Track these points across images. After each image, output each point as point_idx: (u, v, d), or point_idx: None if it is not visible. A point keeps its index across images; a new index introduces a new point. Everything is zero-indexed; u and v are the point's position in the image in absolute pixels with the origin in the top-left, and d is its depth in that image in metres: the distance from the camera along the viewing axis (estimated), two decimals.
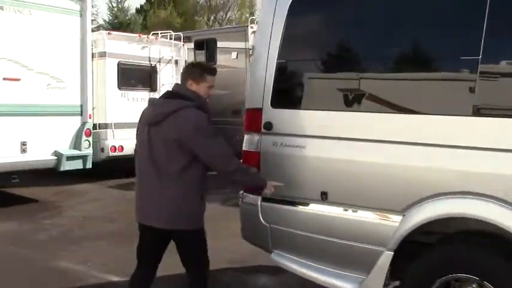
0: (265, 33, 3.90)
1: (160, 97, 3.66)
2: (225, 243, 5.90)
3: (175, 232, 3.46)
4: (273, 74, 3.84)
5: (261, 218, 3.89)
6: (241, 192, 4.06)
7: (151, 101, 3.65)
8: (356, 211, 3.51)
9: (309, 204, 3.70)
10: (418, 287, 3.31)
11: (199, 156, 3.33)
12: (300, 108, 3.80)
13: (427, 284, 3.28)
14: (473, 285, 3.21)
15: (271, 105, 3.85)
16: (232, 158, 3.43)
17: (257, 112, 3.92)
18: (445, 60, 3.34)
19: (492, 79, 3.15)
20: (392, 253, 3.35)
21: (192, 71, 3.55)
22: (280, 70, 3.83)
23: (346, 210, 3.55)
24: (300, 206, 3.74)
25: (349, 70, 3.67)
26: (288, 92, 3.93)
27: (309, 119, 3.73)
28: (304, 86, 3.89)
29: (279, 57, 3.81)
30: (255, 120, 3.93)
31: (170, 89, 3.62)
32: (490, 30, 3.05)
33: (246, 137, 4.01)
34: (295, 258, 3.80)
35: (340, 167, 3.56)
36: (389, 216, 3.38)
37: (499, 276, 3.08)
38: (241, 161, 3.98)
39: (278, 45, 3.81)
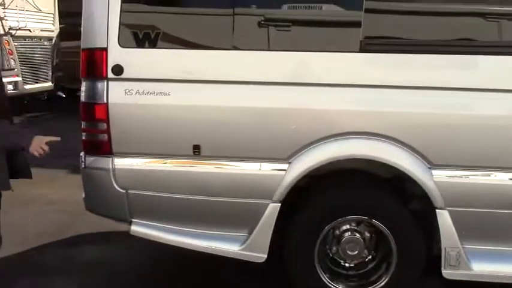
0: None
1: None
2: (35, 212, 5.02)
3: None
4: (120, 3, 3.04)
5: (114, 183, 3.17)
6: (81, 154, 3.25)
7: None
8: (235, 163, 3.10)
9: (178, 161, 3.13)
10: (307, 236, 3.13)
11: None
12: (160, 47, 3.12)
13: (316, 231, 3.12)
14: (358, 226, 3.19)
15: (119, 43, 3.06)
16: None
17: (99, 53, 3.09)
18: None
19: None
20: (279, 204, 3.08)
21: None
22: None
23: (223, 163, 3.10)
24: (168, 165, 3.14)
25: None
26: (142, 26, 3.16)
27: (173, 59, 3.09)
28: (162, 18, 3.18)
29: None
30: (96, 63, 3.10)
31: None
32: None
33: (84, 85, 3.16)
34: (163, 225, 3.23)
35: (212, 115, 3.07)
36: (274, 165, 3.07)
37: (386, 212, 3.09)
38: (83, 117, 3.17)
39: None
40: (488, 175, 2.95)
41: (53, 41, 11.87)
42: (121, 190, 3.17)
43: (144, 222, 3.23)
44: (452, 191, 2.99)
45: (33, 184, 5.86)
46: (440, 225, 3.01)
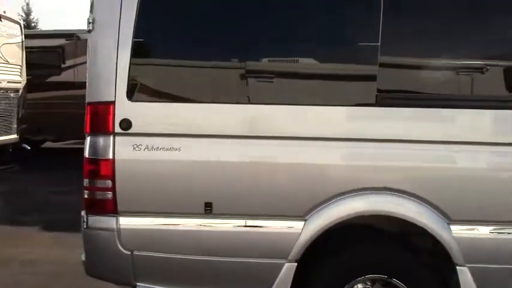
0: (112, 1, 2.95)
1: None
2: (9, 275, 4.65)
3: None
4: (129, 57, 2.93)
5: (119, 245, 2.97)
6: (83, 214, 3.04)
7: None
8: (248, 222, 2.96)
9: (189, 220, 2.97)
10: None
11: None
12: (170, 101, 3.00)
13: None
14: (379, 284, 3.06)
15: (127, 97, 2.94)
16: None
17: (106, 107, 2.95)
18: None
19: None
20: (295, 264, 2.94)
21: None
22: (139, 51, 2.94)
23: (236, 222, 2.96)
24: (178, 224, 2.97)
25: (238, 50, 3.03)
26: (151, 79, 3.06)
27: (184, 113, 2.98)
28: (173, 71, 3.07)
29: (135, 34, 2.92)
30: (103, 118, 2.96)
31: None
32: None
33: (88, 140, 3.00)
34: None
35: (225, 171, 2.95)
36: (289, 223, 2.94)
37: (407, 271, 2.99)
38: (85, 174, 2.99)
39: (133, 18, 2.92)
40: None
41: (20, 92, 11.57)
42: (126, 252, 2.97)
43: (151, 286, 3.02)
44: (472, 246, 2.92)
45: (6, 242, 5.59)
46: (461, 283, 2.92)
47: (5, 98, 11.09)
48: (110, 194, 2.96)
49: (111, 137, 2.94)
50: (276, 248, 2.94)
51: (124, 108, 2.93)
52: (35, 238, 6.05)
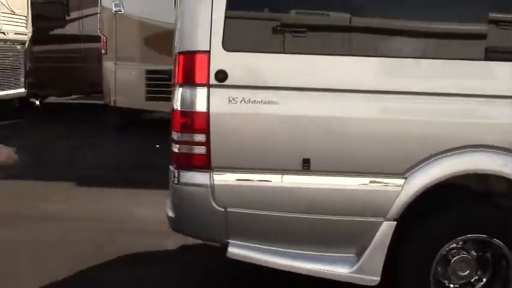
0: None
1: None
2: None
3: None
4: (225, 3, 2.75)
5: (212, 201, 2.86)
6: (173, 168, 2.92)
7: None
8: (347, 179, 2.85)
9: (285, 176, 2.85)
10: (423, 258, 2.92)
11: None
12: (270, 51, 2.83)
13: (433, 252, 2.92)
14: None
15: (223, 46, 2.77)
16: None
17: (200, 57, 2.78)
18: None
19: None
20: (395, 223, 2.86)
21: None
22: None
23: (334, 178, 2.85)
24: (274, 180, 2.86)
25: None
26: (250, 26, 2.88)
27: (284, 65, 2.82)
28: (275, 18, 2.88)
29: None
30: (197, 69, 2.80)
31: None
32: None
33: (179, 91, 2.85)
34: (263, 246, 2.93)
35: (325, 126, 2.82)
36: (389, 180, 2.85)
37: (507, 230, 2.93)
38: (176, 127, 2.85)
39: None
40: None
41: (26, 45, 11.21)
42: (220, 208, 2.86)
43: (243, 243, 2.92)
44: None
45: (42, 197, 5.45)
46: None
47: (12, 50, 10.77)
48: (203, 149, 2.83)
49: (206, 89, 2.79)
50: (374, 205, 2.86)
51: (220, 58, 2.77)
52: (70, 194, 5.92)
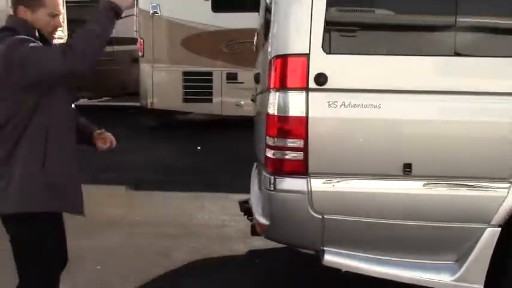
0: None
1: None
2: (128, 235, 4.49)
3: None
4: (325, 5, 2.68)
5: (310, 208, 2.79)
6: (268, 175, 2.85)
7: None
8: (448, 184, 2.76)
9: (386, 181, 2.78)
10: None
11: (31, 77, 2.29)
12: (371, 53, 2.76)
13: None
14: None
15: (323, 49, 2.70)
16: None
17: (300, 60, 2.72)
18: None
19: None
20: (499, 229, 2.76)
21: None
22: None
23: (435, 183, 2.77)
24: (373, 186, 2.78)
25: None
26: (350, 28, 2.81)
27: (386, 67, 2.74)
28: (374, 21, 2.82)
29: None
30: (296, 72, 2.73)
31: None
32: None
33: (276, 96, 2.78)
34: (359, 254, 2.86)
35: (428, 129, 2.74)
36: (493, 185, 2.75)
37: None
38: (272, 132, 2.79)
39: None
40: None
41: None
42: (317, 215, 2.79)
43: (339, 250, 2.85)
44: None
45: (100, 203, 5.42)
46: None
47: None
48: (301, 154, 2.76)
49: (305, 93, 2.72)
50: (477, 211, 2.76)
51: (319, 61, 2.70)
52: (129, 198, 5.90)
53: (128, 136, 9.68)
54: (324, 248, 2.85)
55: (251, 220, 3.76)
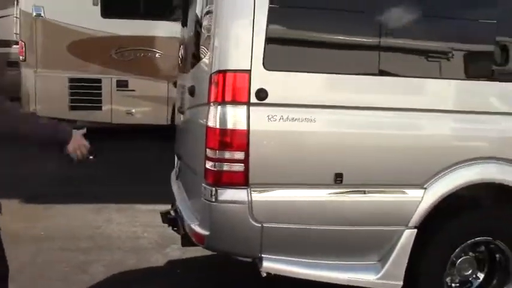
0: None
1: None
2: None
3: None
4: (266, 23, 2.82)
5: (250, 217, 2.90)
6: (208, 186, 2.92)
7: None
8: (373, 191, 3.04)
9: (319, 190, 2.98)
10: (439, 261, 3.18)
11: None
12: (308, 70, 2.93)
13: (448, 255, 3.19)
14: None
15: (264, 66, 2.84)
16: None
17: (242, 75, 2.83)
18: None
19: None
20: (415, 230, 3.10)
21: None
22: (276, 17, 2.84)
23: (363, 191, 3.03)
24: (308, 195, 2.97)
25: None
26: (289, 47, 2.96)
27: (321, 84, 2.95)
28: (313, 39, 2.99)
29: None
30: (238, 87, 2.84)
31: None
32: None
33: (218, 109, 2.86)
34: (295, 259, 3.03)
35: (357, 141, 3.00)
36: (410, 191, 3.08)
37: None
38: (213, 144, 2.87)
39: None
40: None
41: None
42: (257, 224, 2.92)
43: (276, 257, 3.00)
44: None
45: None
46: None
47: None
48: (242, 166, 2.87)
49: (246, 107, 2.84)
50: (397, 215, 3.07)
51: (260, 77, 2.84)
52: (32, 212, 5.54)
53: (13, 145, 9.11)
54: (262, 256, 2.98)
55: (176, 231, 3.80)
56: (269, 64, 2.84)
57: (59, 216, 5.39)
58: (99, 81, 9.85)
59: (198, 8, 3.63)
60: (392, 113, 3.03)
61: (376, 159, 3.02)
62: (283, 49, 2.96)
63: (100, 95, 9.90)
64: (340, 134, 2.98)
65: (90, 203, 5.77)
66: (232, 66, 2.84)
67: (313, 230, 3.00)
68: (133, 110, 10.00)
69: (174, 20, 9.86)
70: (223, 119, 2.85)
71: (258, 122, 2.86)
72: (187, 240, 3.38)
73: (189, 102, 3.34)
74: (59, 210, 5.56)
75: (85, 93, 9.84)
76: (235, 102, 2.85)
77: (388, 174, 3.03)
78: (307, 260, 3.05)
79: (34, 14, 9.47)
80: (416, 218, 3.07)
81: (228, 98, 2.85)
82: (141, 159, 8.40)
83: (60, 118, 10.29)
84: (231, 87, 2.84)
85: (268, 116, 2.86)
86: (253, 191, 2.90)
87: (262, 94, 2.84)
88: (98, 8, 9.65)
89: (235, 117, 2.85)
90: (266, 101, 2.85)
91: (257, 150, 2.87)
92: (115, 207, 5.70)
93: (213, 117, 2.89)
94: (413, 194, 3.07)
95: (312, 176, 2.96)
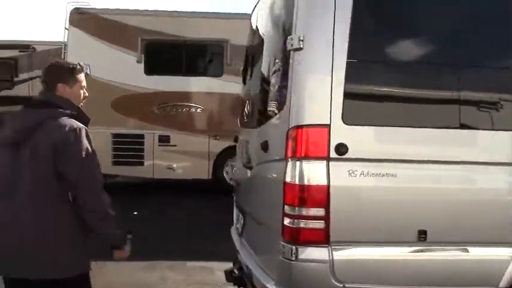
0: (324, 14, 2.79)
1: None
2: None
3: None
4: (343, 78, 2.79)
5: (331, 277, 2.78)
6: (288, 245, 2.82)
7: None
8: (460, 249, 2.90)
9: (402, 248, 2.85)
10: None
11: (68, 178, 2.61)
12: (388, 124, 2.88)
13: None
14: None
15: (343, 120, 2.79)
16: (104, 194, 2.73)
17: (321, 130, 2.78)
18: None
19: None
20: None
21: (60, 70, 2.81)
22: (354, 72, 2.81)
23: (449, 249, 2.88)
24: (391, 253, 2.84)
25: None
26: (368, 101, 2.93)
27: (400, 138, 2.88)
28: (392, 94, 2.94)
29: (350, 55, 2.78)
30: (317, 142, 2.79)
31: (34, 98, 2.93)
32: None
33: (297, 165, 2.80)
34: None
35: (442, 197, 2.89)
36: (500, 249, 2.91)
37: None
38: (292, 201, 2.80)
39: (347, 37, 2.78)
40: None
41: None
42: (338, 285, 2.79)
43: None
44: None
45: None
46: None
47: None
48: (322, 223, 2.78)
49: (326, 162, 2.78)
50: (486, 275, 2.90)
51: (340, 131, 2.78)
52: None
53: None
54: None
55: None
56: (348, 118, 2.79)
57: (111, 275, 5.30)
58: (141, 136, 9.97)
59: (264, 66, 3.63)
60: (479, 167, 2.92)
61: (460, 215, 2.89)
62: (362, 103, 2.92)
63: (142, 150, 10.00)
64: (423, 189, 2.87)
65: (140, 260, 5.67)
66: (310, 121, 2.79)
67: None
68: (175, 165, 10.04)
69: (212, 75, 10.10)
70: (302, 175, 2.78)
71: (338, 177, 2.78)
72: None
73: (260, 158, 3.28)
74: (111, 268, 5.47)
75: (128, 148, 9.95)
76: (314, 157, 2.79)
77: (474, 232, 2.89)
78: None
79: None
80: (507, 278, 2.90)
81: (307, 153, 2.79)
82: (185, 214, 8.36)
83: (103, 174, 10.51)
84: (310, 143, 2.79)
85: (348, 171, 2.79)
86: (334, 249, 2.79)
87: (342, 149, 2.77)
88: (142, 66, 9.88)
89: (315, 172, 2.78)
90: (346, 156, 2.78)
91: (338, 207, 2.78)
92: (166, 264, 5.60)
93: (292, 173, 2.82)
94: (502, 252, 2.91)
95: (394, 233, 2.84)
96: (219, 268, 4.94)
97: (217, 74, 10.06)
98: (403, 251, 2.85)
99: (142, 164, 10.03)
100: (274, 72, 3.27)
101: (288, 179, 2.84)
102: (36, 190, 2.59)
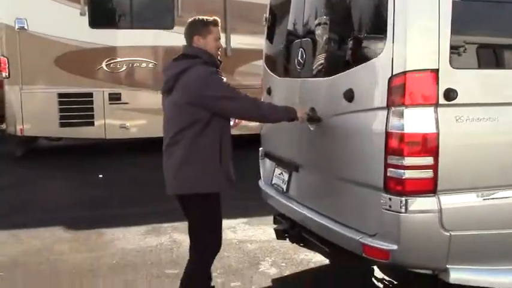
0: None
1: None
2: None
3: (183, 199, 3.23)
4: (450, 19, 2.65)
5: (439, 226, 2.72)
6: (396, 197, 2.70)
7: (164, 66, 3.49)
8: None
9: (507, 191, 2.82)
10: None
11: (223, 113, 3.12)
12: (498, 67, 2.80)
13: None
14: None
15: (451, 65, 2.66)
16: (256, 100, 3.29)
17: (429, 75, 2.65)
18: None
19: None
20: None
21: (195, 25, 3.21)
22: (462, 13, 2.67)
23: None
24: (499, 197, 2.81)
25: None
26: (476, 44, 2.80)
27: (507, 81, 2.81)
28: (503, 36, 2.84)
29: None
30: (424, 88, 2.65)
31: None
32: None
33: (403, 113, 2.66)
34: (477, 267, 2.86)
35: None
36: None
37: None
38: (399, 151, 2.68)
39: None
40: None
41: None
42: (445, 233, 2.73)
43: (461, 267, 2.82)
44: None
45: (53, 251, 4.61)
46: None
47: None
48: (431, 172, 2.69)
49: (434, 109, 2.66)
50: None
51: (448, 76, 2.66)
52: (78, 240, 5.05)
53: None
54: (448, 266, 2.79)
55: (308, 247, 3.56)
56: (456, 62, 2.68)
57: (116, 242, 4.96)
58: (90, 95, 9.29)
59: (330, 15, 3.38)
60: None
61: None
62: (470, 46, 2.80)
63: (92, 109, 9.33)
64: None
65: (143, 224, 5.37)
66: (417, 66, 2.65)
67: (499, 235, 2.84)
68: (128, 124, 9.51)
69: (163, 28, 9.53)
70: (409, 123, 2.66)
71: (447, 124, 2.68)
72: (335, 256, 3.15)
73: (339, 108, 3.08)
74: (112, 235, 5.12)
75: (76, 108, 9.25)
76: (422, 104, 2.66)
77: None
78: (495, 268, 2.88)
79: (17, 26, 8.81)
80: None
81: (414, 100, 2.66)
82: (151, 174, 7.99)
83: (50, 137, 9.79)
84: (417, 89, 2.65)
85: (455, 117, 2.70)
86: (441, 198, 2.72)
87: (452, 94, 2.66)
88: (86, 18, 9.11)
89: (424, 120, 2.66)
90: (455, 101, 2.68)
91: (446, 154, 2.69)
92: (168, 226, 5.31)
93: (397, 122, 2.68)
94: None
95: (501, 177, 2.81)
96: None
97: (168, 26, 9.50)
98: (507, 194, 2.82)
99: (92, 124, 9.36)
100: (356, 19, 3.08)
101: (392, 129, 2.70)
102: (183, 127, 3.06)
